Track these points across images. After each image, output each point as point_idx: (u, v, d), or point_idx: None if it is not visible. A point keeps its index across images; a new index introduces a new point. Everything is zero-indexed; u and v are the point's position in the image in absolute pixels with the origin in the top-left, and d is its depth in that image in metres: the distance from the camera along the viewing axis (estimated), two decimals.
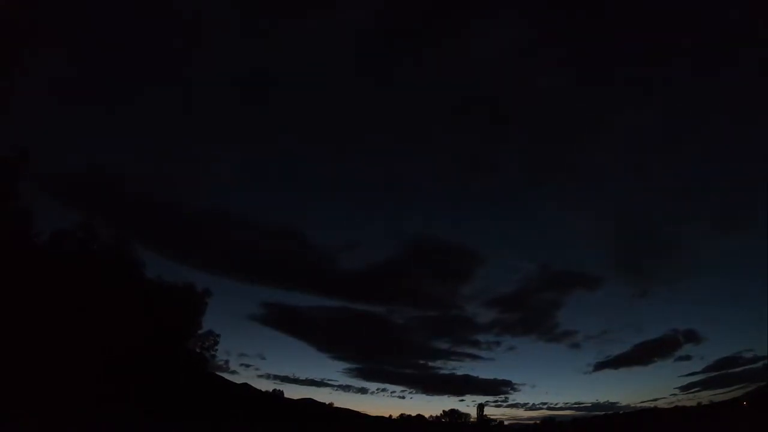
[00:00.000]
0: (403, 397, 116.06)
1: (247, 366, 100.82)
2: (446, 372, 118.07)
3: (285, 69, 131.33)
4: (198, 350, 51.55)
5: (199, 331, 50.71)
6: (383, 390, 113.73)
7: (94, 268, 34.40)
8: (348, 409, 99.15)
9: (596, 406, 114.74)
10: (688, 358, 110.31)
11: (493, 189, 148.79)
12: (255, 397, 70.99)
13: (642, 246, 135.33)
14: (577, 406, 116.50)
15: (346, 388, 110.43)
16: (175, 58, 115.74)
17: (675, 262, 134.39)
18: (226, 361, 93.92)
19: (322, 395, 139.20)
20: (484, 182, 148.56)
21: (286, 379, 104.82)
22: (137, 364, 34.28)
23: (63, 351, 28.35)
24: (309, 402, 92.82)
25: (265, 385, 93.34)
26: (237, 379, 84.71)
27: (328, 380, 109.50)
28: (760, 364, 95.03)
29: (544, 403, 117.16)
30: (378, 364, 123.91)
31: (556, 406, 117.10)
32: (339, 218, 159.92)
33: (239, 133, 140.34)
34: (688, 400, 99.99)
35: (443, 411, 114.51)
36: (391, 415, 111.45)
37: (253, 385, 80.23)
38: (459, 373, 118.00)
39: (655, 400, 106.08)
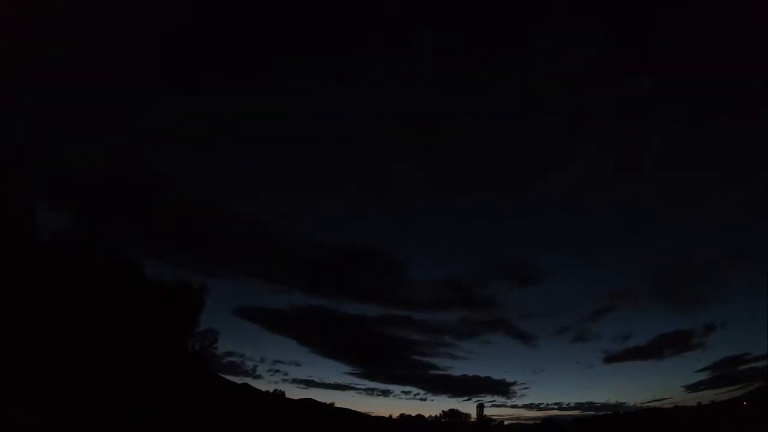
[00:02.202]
0: (425, 399, 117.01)
1: (276, 371, 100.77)
2: (470, 374, 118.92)
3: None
4: (198, 348, 51.23)
5: (198, 329, 50.32)
6: (407, 392, 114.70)
7: (93, 268, 34.42)
8: (348, 409, 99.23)
9: (604, 405, 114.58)
10: (702, 350, 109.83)
11: (556, 201, 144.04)
12: (255, 397, 70.99)
13: (680, 272, 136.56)
14: (588, 405, 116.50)
15: (370, 391, 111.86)
16: (179, 57, 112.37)
17: (709, 287, 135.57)
18: (254, 367, 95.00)
19: (344, 398, 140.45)
20: (544, 193, 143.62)
21: (312, 384, 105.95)
22: (136, 364, 34.27)
23: (62, 351, 28.33)
24: (309, 402, 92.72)
25: (297, 392, 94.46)
26: (263, 386, 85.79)
27: (354, 384, 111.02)
28: (763, 362, 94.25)
29: (558, 403, 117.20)
30: (406, 368, 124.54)
31: (568, 406, 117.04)
32: (403, 233, 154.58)
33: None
34: (690, 399, 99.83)
35: (443, 411, 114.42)
36: (391, 415, 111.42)
37: (256, 386, 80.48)
38: (482, 374, 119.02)
39: (661, 400, 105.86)
